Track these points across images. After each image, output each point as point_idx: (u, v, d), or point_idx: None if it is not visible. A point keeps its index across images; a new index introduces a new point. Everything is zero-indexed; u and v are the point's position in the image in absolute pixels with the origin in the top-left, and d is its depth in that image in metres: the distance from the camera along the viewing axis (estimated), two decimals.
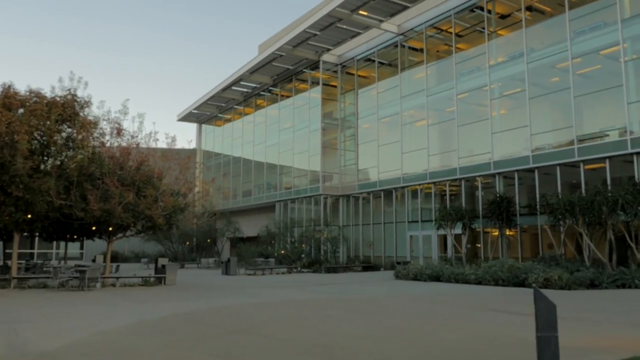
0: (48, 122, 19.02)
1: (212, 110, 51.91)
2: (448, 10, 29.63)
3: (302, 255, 34.83)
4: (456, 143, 28.54)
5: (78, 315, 12.17)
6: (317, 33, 33.63)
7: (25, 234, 22.59)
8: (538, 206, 23.00)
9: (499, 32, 27.77)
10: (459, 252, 26.24)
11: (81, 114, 20.16)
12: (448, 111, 29.76)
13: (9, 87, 19.39)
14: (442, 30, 31.07)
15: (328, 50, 36.83)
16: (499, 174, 26.17)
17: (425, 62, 31.36)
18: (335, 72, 38.58)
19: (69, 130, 20.18)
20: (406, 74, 32.98)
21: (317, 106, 37.83)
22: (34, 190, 18.21)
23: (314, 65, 38.40)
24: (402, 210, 32.10)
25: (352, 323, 10.55)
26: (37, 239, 39.89)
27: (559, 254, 21.54)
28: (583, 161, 22.46)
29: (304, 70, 39.67)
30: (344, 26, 32.61)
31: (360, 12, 30.40)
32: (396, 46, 33.55)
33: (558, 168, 23.43)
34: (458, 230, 26.51)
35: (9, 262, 22.85)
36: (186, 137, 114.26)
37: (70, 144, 20.04)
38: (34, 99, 19.45)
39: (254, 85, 44.85)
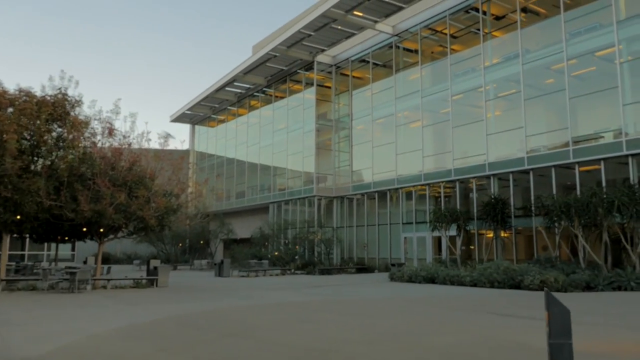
0: (38, 122, 18.70)
1: (206, 111, 51.59)
2: (443, 12, 29.56)
3: (296, 257, 34.61)
4: (451, 144, 28.45)
5: (67, 318, 11.88)
6: (312, 34, 33.46)
7: (15, 235, 22.25)
8: (533, 208, 22.93)
9: (494, 33, 27.74)
10: (454, 253, 26.14)
11: (72, 113, 19.88)
12: (443, 112, 29.68)
13: None
14: (437, 31, 31.00)
15: (322, 50, 36.66)
16: (493, 175, 26.11)
17: (420, 63, 31.26)
18: (330, 72, 38.42)
19: (60, 129, 19.89)
20: (401, 75, 32.88)
21: (311, 107, 37.62)
22: (23, 191, 17.88)
23: (309, 66, 38.20)
24: (397, 211, 31.97)
25: (348, 326, 10.37)
26: (27, 240, 39.44)
27: (554, 256, 21.49)
28: (578, 163, 22.44)
29: (298, 71, 39.45)
30: (339, 27, 32.48)
31: (355, 12, 30.26)
32: (391, 47, 33.45)
33: (553, 170, 23.39)
34: (453, 232, 26.44)
35: None
36: (179, 138, 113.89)
37: (61, 143, 19.74)
38: (24, 97, 19.10)
39: (248, 86, 44.60)
